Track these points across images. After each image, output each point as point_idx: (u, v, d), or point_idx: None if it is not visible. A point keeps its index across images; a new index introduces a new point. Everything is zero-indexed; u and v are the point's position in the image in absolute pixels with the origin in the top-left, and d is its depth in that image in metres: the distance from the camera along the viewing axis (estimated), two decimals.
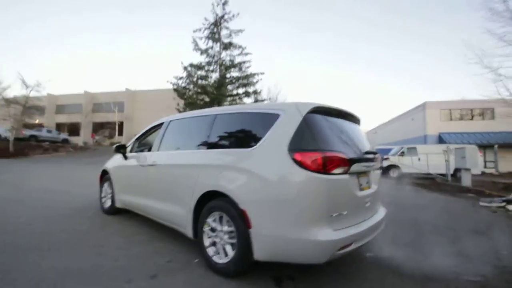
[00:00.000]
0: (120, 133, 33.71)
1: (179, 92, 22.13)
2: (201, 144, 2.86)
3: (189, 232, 2.73)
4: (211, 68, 23.38)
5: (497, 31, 10.85)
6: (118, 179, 4.05)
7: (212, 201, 2.50)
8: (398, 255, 2.89)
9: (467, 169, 10.26)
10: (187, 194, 2.73)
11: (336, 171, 2.07)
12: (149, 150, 3.92)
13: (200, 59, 22.80)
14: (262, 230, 2.09)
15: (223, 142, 2.67)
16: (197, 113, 3.25)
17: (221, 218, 2.43)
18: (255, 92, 23.45)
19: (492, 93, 11.07)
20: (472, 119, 24.28)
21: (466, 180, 10.14)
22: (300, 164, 2.03)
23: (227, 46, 23.20)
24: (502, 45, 11.43)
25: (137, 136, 4.17)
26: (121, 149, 3.99)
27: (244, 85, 23.27)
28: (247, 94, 23.34)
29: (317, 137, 2.14)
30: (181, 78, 22.20)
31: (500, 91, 10.95)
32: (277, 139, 2.20)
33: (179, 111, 22.58)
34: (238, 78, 23.08)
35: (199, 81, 22.51)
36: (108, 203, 4.35)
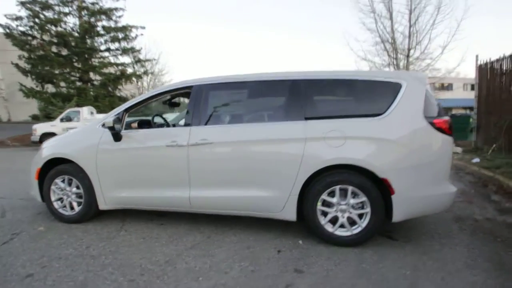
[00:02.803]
0: None
1: (17, 39, 15.33)
2: (291, 114, 2.41)
3: (290, 215, 2.40)
4: (66, 10, 17.36)
5: (364, 20, 14.09)
6: (108, 169, 2.72)
7: (329, 175, 2.29)
8: None
9: None
10: (287, 173, 2.34)
11: None
12: (173, 125, 2.90)
13: None
14: (404, 194, 2.19)
15: (330, 111, 2.41)
16: (256, 77, 2.57)
17: (342, 191, 2.30)
18: (133, 50, 19.75)
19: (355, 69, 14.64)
20: None
21: None
22: (440, 129, 2.22)
23: None
24: (364, 32, 14.90)
25: (125, 106, 2.83)
26: (117, 126, 2.62)
27: (119, 40, 19.04)
28: (124, 50, 19.32)
29: (437, 104, 2.37)
30: (18, 18, 15.25)
31: (359, 69, 14.68)
32: (410, 107, 2.25)
33: (19, 67, 15.88)
34: (109, 29, 18.49)
35: (49, 27, 16.35)
36: (75, 207, 2.89)
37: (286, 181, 2.35)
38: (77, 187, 2.87)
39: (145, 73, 20.58)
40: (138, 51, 19.94)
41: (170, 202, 2.67)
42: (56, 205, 2.94)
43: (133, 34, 19.10)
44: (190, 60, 48.13)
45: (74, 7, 17.33)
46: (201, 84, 2.67)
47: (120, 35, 18.71)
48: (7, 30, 15.26)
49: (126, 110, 2.83)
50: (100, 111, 15.46)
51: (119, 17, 18.87)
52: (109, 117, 2.70)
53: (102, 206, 2.82)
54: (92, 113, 12.18)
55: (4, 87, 25.00)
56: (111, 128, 2.59)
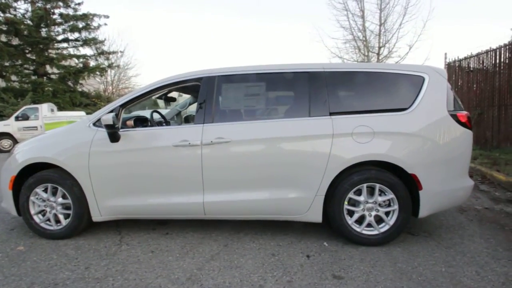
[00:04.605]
0: None
1: None
2: (315, 110, 2.26)
3: (315, 216, 2.27)
4: None
5: (338, 18, 14.33)
6: (105, 174, 2.35)
7: (356, 173, 2.20)
8: None
9: None
10: (313, 172, 2.20)
11: None
12: (182, 121, 2.61)
13: None
14: (431, 189, 2.18)
15: (355, 105, 2.29)
16: (275, 68, 2.38)
17: (368, 188, 2.23)
18: (95, 41, 18.19)
19: None
20: None
21: None
22: (463, 123, 2.23)
23: None
24: (337, 29, 15.15)
25: (121, 102, 2.45)
26: (115, 124, 2.24)
27: (79, 29, 17.41)
28: (85, 41, 17.72)
29: (456, 98, 2.38)
30: None
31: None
32: (434, 101, 2.22)
33: None
34: (67, 18, 16.80)
35: None
36: (61, 220, 2.48)
37: (312, 181, 2.21)
38: (64, 197, 2.46)
39: (110, 66, 19.09)
40: (102, 42, 18.44)
41: (180, 209, 2.38)
42: (38, 219, 2.50)
43: (95, 24, 17.61)
44: (158, 53, 45.67)
45: None
46: (213, 76, 2.40)
47: (80, 24, 17.12)
48: None
49: (123, 106, 2.47)
50: (60, 108, 14.04)
51: (79, 4, 17.24)
52: (103, 114, 2.32)
53: (97, 217, 2.45)
54: (52, 110, 10.97)
55: None
56: (110, 127, 2.22)
